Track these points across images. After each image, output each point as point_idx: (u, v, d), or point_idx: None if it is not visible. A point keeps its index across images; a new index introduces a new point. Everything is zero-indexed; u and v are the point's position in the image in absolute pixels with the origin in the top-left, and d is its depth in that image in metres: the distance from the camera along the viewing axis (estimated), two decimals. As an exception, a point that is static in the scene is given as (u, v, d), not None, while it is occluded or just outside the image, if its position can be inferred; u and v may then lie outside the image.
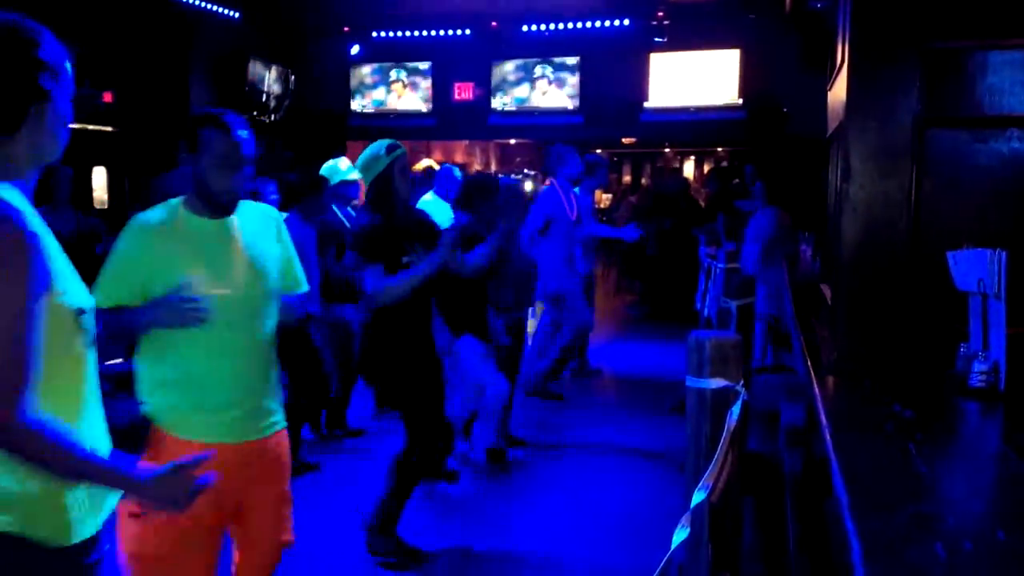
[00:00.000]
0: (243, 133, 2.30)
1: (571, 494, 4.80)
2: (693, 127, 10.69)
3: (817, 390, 2.63)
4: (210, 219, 2.30)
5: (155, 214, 2.31)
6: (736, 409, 2.45)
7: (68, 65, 1.67)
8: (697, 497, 1.83)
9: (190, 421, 2.28)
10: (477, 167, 17.93)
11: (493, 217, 4.56)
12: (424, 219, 3.97)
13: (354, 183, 5.54)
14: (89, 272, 1.88)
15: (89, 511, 1.65)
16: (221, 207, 2.30)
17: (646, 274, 12.80)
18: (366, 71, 11.69)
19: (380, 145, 3.79)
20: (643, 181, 18.43)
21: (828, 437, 2.15)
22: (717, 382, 2.51)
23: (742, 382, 2.62)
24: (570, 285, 6.29)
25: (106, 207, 8.96)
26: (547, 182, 7.22)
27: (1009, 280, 2.51)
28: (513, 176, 17.57)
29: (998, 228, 2.89)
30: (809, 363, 3.05)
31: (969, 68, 2.93)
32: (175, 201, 2.35)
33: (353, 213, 5.55)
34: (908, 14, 2.96)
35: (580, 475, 5.10)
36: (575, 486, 4.93)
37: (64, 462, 1.52)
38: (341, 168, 5.65)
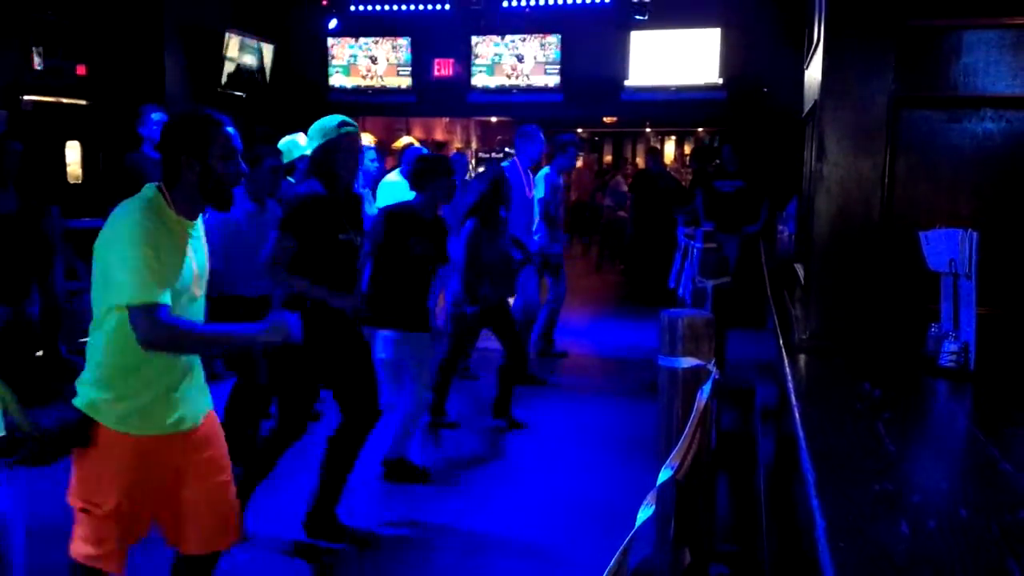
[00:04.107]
0: (232, 129, 2.52)
1: (546, 477, 4.81)
2: (673, 106, 10.65)
3: (788, 368, 2.63)
4: (187, 219, 2.47)
5: (150, 211, 2.36)
6: (707, 388, 2.45)
7: None
8: (663, 475, 1.83)
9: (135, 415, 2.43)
10: (458, 145, 17.85)
11: (440, 198, 4.54)
12: (358, 205, 3.95)
13: None
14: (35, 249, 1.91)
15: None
16: (225, 200, 2.51)
17: (626, 253, 12.84)
18: (344, 45, 11.55)
19: (335, 118, 3.77)
20: (634, 162, 18.42)
21: (797, 415, 2.15)
22: (689, 361, 2.52)
23: (713, 361, 2.62)
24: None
25: (80, 182, 8.82)
26: (507, 159, 7.27)
27: (980, 260, 2.53)
28: (493, 154, 17.50)
29: (971, 208, 2.91)
30: (781, 341, 3.06)
31: (944, 47, 2.92)
32: (152, 195, 2.39)
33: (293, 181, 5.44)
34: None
35: (556, 459, 5.11)
36: (550, 469, 4.94)
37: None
38: (300, 143, 5.52)
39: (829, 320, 2.94)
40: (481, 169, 11.29)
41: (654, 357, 2.69)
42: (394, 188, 6.47)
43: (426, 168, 4.57)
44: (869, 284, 2.91)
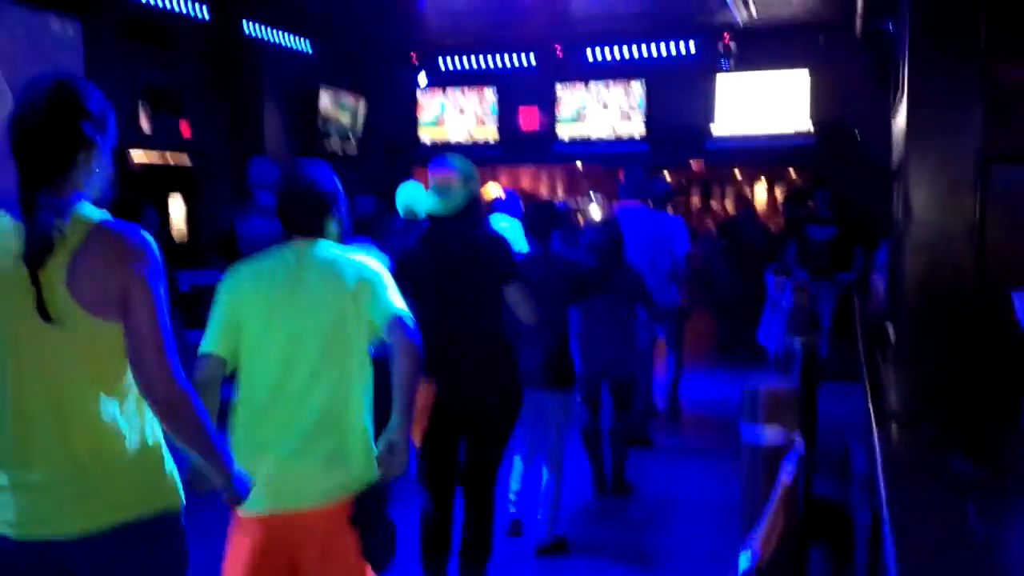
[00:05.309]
0: None
1: (638, 546, 4.64)
2: (761, 153, 10.51)
3: (876, 438, 2.53)
4: None
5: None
6: (791, 462, 2.37)
7: (112, 116, 1.95)
8: (743, 562, 1.77)
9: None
10: (543, 193, 17.96)
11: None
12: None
13: None
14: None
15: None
16: None
17: (718, 303, 12.55)
18: (432, 97, 11.85)
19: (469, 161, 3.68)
20: (723, 205, 18.14)
21: (882, 491, 2.06)
22: (771, 434, 2.44)
23: (798, 431, 2.54)
24: None
25: (186, 240, 9.21)
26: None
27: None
28: (580, 199, 17.53)
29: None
30: (871, 406, 2.94)
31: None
32: None
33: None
34: (969, 38, 2.84)
35: (648, 523, 4.95)
36: (642, 537, 4.77)
37: (198, 432, 1.90)
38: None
39: (920, 386, 2.81)
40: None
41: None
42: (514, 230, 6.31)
43: (547, 216, 4.57)
44: (962, 348, 2.78)
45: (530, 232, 4.55)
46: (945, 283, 2.82)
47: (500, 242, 3.63)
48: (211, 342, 2.43)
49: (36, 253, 1.74)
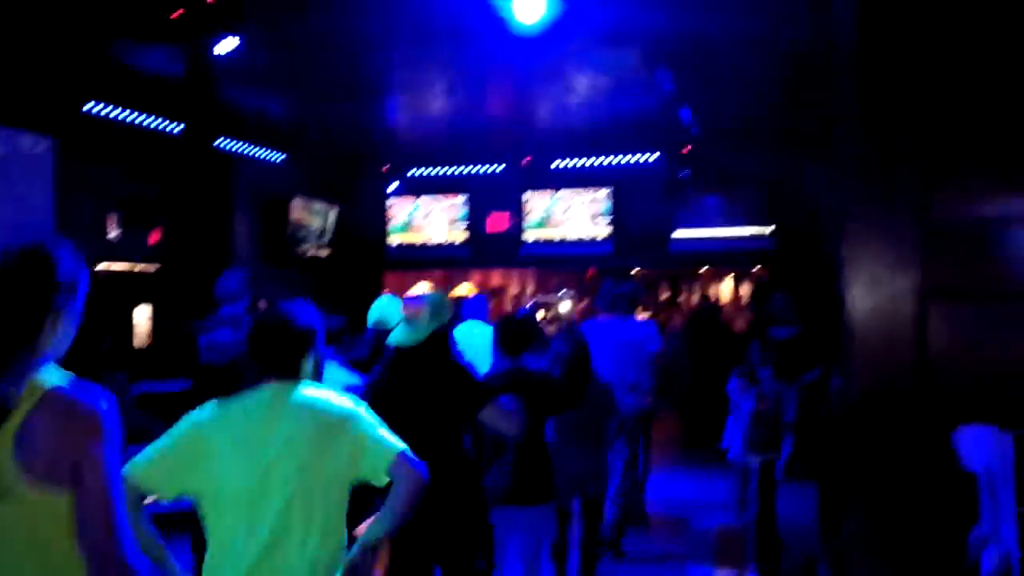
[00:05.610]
0: None
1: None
2: (723, 255, 10.77)
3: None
4: None
5: None
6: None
7: (84, 277, 1.93)
8: None
9: None
10: (513, 291, 18.14)
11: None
12: None
13: None
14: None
15: None
16: None
17: (682, 400, 12.59)
18: (403, 204, 12.06)
19: (442, 294, 3.83)
20: (680, 298, 18.40)
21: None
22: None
23: (751, 569, 2.56)
24: None
25: (149, 344, 9.16)
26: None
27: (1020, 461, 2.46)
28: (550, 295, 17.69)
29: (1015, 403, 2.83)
30: (822, 539, 2.98)
31: (971, 240, 2.94)
32: None
33: None
34: (907, 180, 2.99)
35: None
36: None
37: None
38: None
39: (870, 522, 2.86)
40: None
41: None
42: (483, 333, 6.29)
43: (518, 332, 4.59)
44: (908, 482, 2.85)
45: (501, 347, 4.59)
46: (888, 411, 2.90)
47: (464, 373, 3.69)
48: (140, 464, 2.33)
49: None
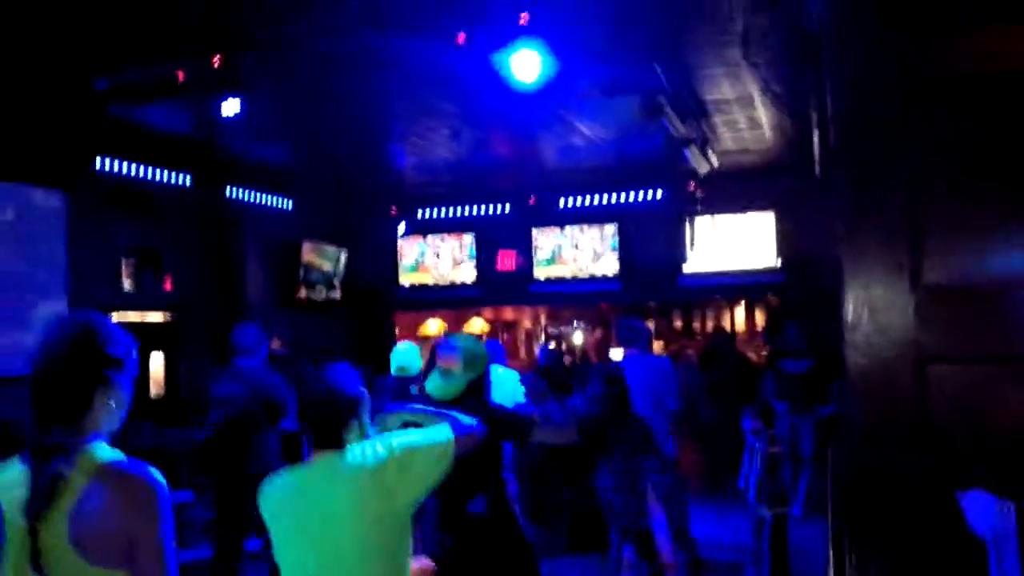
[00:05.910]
0: None
1: None
2: (732, 289, 10.75)
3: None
4: None
5: None
6: None
7: (133, 353, 1.92)
8: None
9: None
10: (526, 325, 18.13)
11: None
12: None
13: None
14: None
15: None
16: None
17: (702, 434, 12.44)
18: (412, 244, 12.13)
19: (476, 343, 3.81)
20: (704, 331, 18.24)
21: None
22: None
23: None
24: None
25: (163, 395, 9.21)
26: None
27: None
28: (563, 329, 17.70)
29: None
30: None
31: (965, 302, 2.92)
32: None
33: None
34: (899, 242, 2.97)
35: None
36: None
37: None
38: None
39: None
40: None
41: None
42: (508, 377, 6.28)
43: (561, 371, 4.62)
44: (917, 546, 2.82)
45: (552, 389, 4.59)
46: (891, 474, 2.88)
47: (504, 417, 3.64)
48: None
49: (35, 505, 1.70)
